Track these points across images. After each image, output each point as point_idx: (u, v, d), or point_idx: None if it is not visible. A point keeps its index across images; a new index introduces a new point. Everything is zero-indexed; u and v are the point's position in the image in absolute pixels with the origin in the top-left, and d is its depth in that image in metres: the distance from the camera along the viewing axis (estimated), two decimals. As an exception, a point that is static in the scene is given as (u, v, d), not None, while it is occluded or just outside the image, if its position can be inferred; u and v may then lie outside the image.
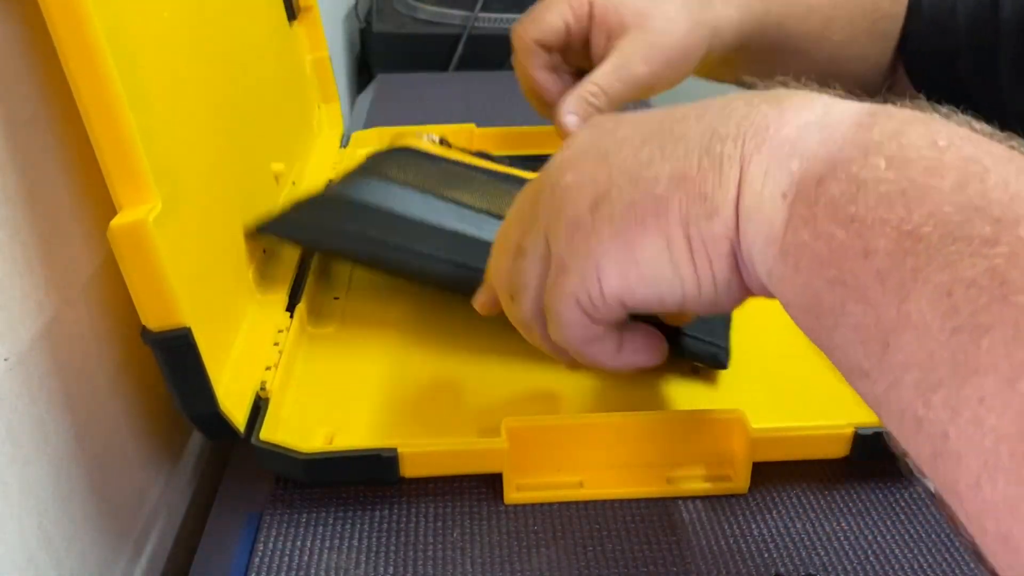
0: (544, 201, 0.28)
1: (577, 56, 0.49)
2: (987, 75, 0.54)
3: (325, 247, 0.41)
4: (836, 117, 0.23)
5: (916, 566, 0.30)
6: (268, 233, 0.41)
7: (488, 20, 0.91)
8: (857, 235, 0.21)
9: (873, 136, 0.22)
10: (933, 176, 0.20)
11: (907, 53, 0.57)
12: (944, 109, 0.22)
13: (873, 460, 0.33)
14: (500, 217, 0.38)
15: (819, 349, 0.23)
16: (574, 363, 0.31)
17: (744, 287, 0.25)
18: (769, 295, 0.25)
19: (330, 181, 0.48)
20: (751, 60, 0.52)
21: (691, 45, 0.47)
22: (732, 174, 0.24)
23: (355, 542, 0.32)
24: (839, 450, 0.33)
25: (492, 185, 0.44)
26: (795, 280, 0.23)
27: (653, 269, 0.25)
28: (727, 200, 0.24)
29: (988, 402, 0.17)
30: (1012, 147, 0.20)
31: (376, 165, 0.45)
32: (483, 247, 0.34)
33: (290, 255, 0.44)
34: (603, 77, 0.45)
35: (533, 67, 0.47)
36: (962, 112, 0.22)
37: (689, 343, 0.37)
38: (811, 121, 0.23)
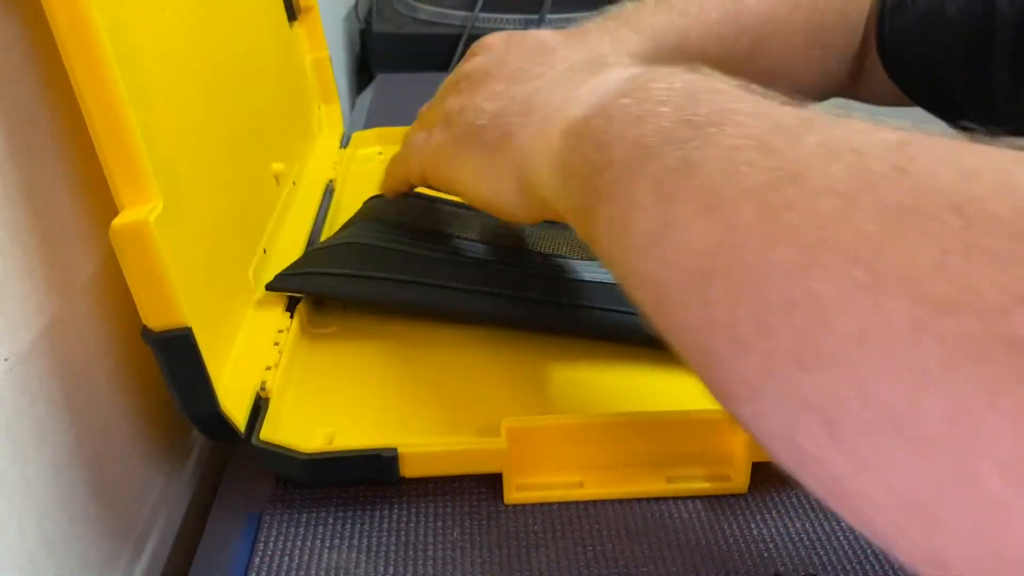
0: (448, 89, 0.40)
1: None
2: (977, 74, 0.53)
3: (343, 293, 0.41)
4: (618, 75, 0.30)
5: (916, 566, 0.30)
6: (281, 290, 0.41)
7: (488, 20, 0.91)
8: (604, 152, 0.27)
9: (630, 84, 0.29)
10: (661, 105, 0.27)
11: (887, 53, 0.56)
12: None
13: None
14: (495, 244, 0.43)
15: (589, 244, 0.30)
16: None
17: (531, 203, 0.33)
18: (546, 211, 0.33)
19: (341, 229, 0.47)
20: None
21: None
22: (536, 119, 0.32)
23: (355, 542, 0.32)
24: (839, 450, 0.33)
25: (476, 219, 0.46)
26: (566, 192, 0.30)
27: (469, 174, 0.35)
28: (521, 140, 0.33)
29: (679, 247, 0.23)
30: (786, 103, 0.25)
31: (375, 208, 0.47)
32: (487, 267, 0.40)
33: (290, 256, 0.44)
34: None
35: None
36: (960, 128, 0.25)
37: (610, 317, 0.38)
38: (601, 81, 0.31)
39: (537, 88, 0.33)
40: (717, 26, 0.51)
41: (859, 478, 0.19)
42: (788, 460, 0.21)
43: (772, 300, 0.20)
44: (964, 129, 0.21)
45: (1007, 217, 0.17)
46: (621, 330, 0.39)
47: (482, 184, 0.35)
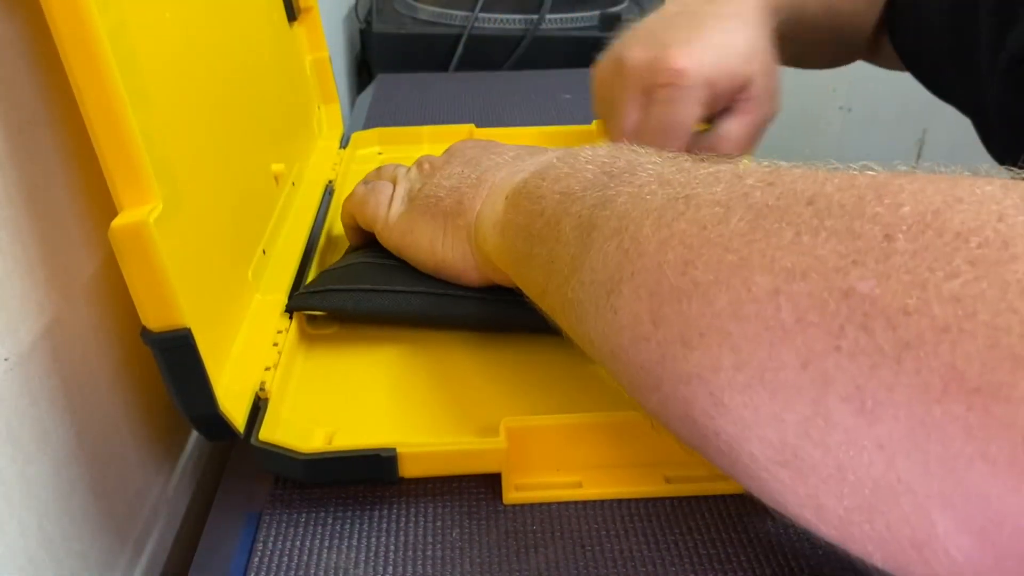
0: (415, 165, 0.45)
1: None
2: (963, 43, 0.54)
3: (362, 307, 0.41)
4: (555, 152, 0.36)
5: (914, 566, 0.30)
6: (300, 309, 0.41)
7: (488, 20, 0.91)
8: (537, 204, 0.32)
9: (563, 153, 0.34)
10: (587, 163, 0.32)
11: (891, 24, 0.57)
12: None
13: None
14: None
15: (524, 288, 0.35)
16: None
17: (478, 262, 0.38)
18: (494, 272, 0.38)
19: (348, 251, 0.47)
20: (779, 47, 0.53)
21: (775, 63, 0.50)
22: (482, 191, 0.38)
23: (354, 542, 0.32)
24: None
25: None
26: (504, 245, 0.35)
27: (426, 240, 0.40)
28: (473, 207, 0.38)
29: (594, 267, 0.27)
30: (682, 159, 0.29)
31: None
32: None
33: (290, 256, 0.44)
34: (740, 132, 0.47)
35: (694, 101, 0.45)
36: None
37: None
38: (541, 157, 0.37)
39: (488, 167, 0.39)
40: None
41: (744, 439, 0.22)
42: (692, 439, 0.24)
43: (665, 293, 0.23)
44: None
45: (848, 204, 0.20)
46: None
47: (436, 248, 0.39)
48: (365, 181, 0.46)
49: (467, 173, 0.39)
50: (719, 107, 0.47)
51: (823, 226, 0.20)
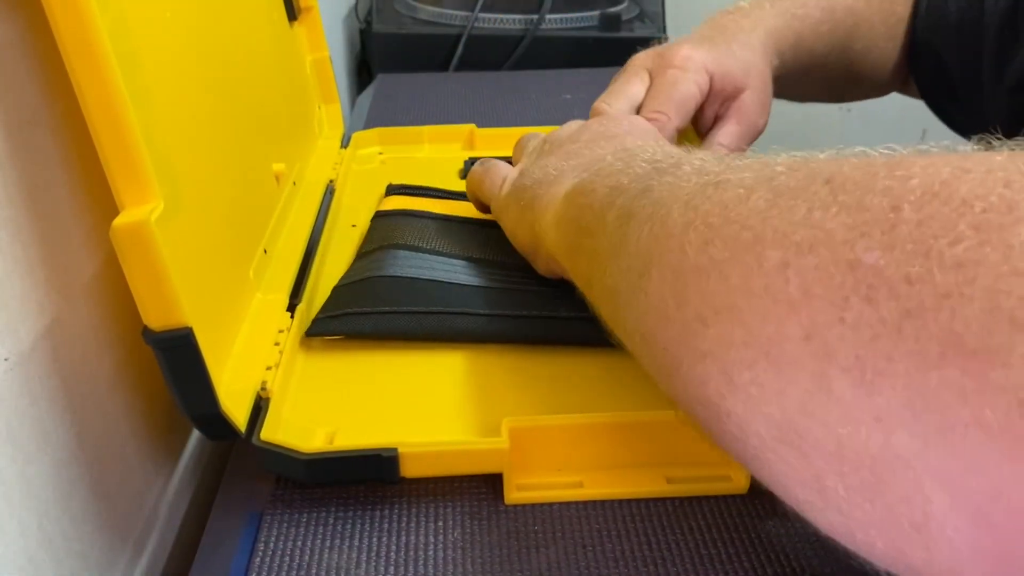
0: (536, 144, 0.46)
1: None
2: (972, 75, 0.56)
3: (381, 329, 0.40)
4: (624, 146, 0.37)
5: (916, 566, 0.30)
6: (320, 334, 0.40)
7: (488, 20, 0.91)
8: (588, 198, 0.33)
9: (620, 152, 0.36)
10: (641, 161, 0.32)
11: (910, 53, 0.59)
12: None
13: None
14: (495, 264, 0.44)
15: (576, 281, 0.36)
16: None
17: (540, 254, 0.40)
18: (556, 265, 0.39)
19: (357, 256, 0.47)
20: (783, 80, 0.59)
21: (771, 87, 0.55)
22: (554, 188, 0.38)
23: (355, 542, 0.32)
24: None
25: (480, 234, 0.47)
26: (559, 238, 0.36)
27: (510, 226, 0.43)
28: (541, 204, 0.39)
29: (629, 253, 0.27)
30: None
31: (390, 234, 0.47)
32: (519, 292, 0.42)
33: (291, 255, 0.44)
34: (728, 137, 0.51)
35: (694, 82, 0.50)
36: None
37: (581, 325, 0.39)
38: (601, 157, 0.37)
39: (568, 167, 0.39)
40: (819, 24, 0.57)
41: (752, 418, 0.22)
42: (708, 423, 0.24)
43: (687, 273, 0.24)
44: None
45: (861, 180, 0.20)
46: None
47: (517, 234, 0.42)
48: (482, 161, 0.48)
49: (554, 167, 0.40)
50: (712, 110, 0.52)
51: (835, 201, 0.20)
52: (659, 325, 0.25)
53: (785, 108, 0.60)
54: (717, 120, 0.52)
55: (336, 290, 0.43)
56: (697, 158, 0.30)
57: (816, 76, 0.60)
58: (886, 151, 0.22)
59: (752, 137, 0.52)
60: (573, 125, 0.44)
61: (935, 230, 0.18)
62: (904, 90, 0.65)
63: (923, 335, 0.18)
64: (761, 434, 0.21)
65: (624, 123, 0.43)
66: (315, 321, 0.41)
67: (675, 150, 0.33)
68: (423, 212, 0.50)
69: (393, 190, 0.53)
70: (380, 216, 0.50)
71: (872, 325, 0.18)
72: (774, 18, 0.55)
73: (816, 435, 0.20)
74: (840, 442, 0.19)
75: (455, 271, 0.44)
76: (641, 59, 0.52)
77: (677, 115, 0.48)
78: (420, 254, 0.45)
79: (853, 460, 0.19)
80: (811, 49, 0.58)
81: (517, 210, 0.42)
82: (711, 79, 0.50)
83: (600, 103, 0.50)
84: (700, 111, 0.52)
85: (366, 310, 0.40)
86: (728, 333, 0.22)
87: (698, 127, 0.53)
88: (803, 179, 0.22)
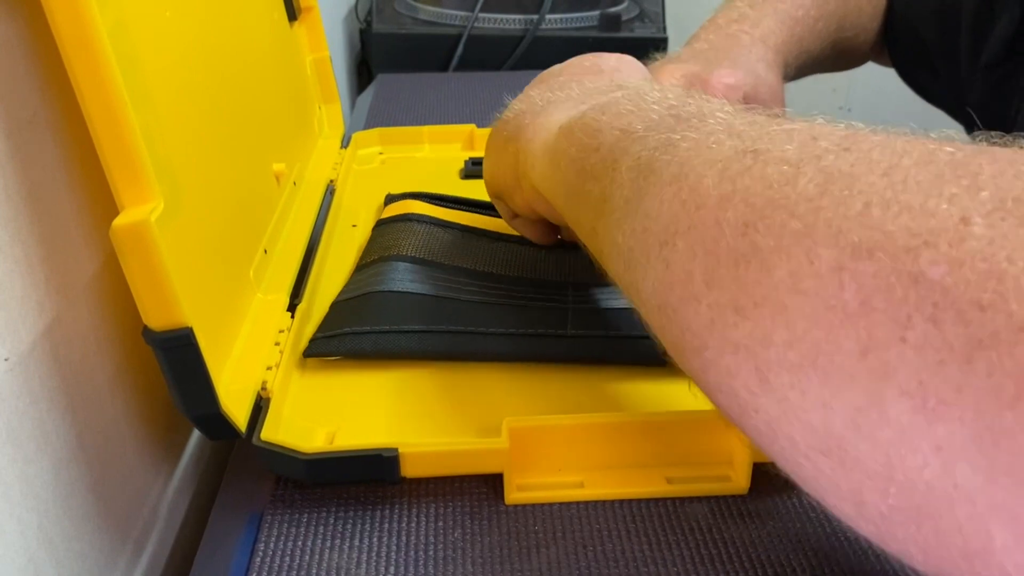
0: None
1: None
2: (949, 50, 0.57)
3: (384, 349, 0.39)
4: (620, 89, 0.34)
5: (916, 566, 0.30)
6: (319, 355, 0.39)
7: (488, 20, 0.91)
8: (593, 138, 0.31)
9: (627, 90, 0.33)
10: (653, 103, 0.30)
11: (888, 33, 0.60)
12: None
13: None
14: (501, 278, 0.44)
15: (571, 225, 0.34)
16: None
17: (524, 188, 0.38)
18: (537, 202, 0.38)
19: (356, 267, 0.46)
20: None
21: (783, 100, 0.56)
22: (542, 119, 0.36)
23: (356, 542, 0.32)
24: (839, 450, 0.33)
25: (485, 245, 0.47)
26: (554, 176, 0.34)
27: (490, 162, 0.43)
28: (525, 135, 0.37)
29: (649, 214, 0.25)
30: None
31: (391, 245, 0.46)
32: (526, 309, 0.41)
33: (291, 255, 0.44)
34: None
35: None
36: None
37: (624, 344, 0.38)
38: (605, 94, 0.35)
39: (557, 98, 0.37)
40: (816, 22, 0.58)
41: (786, 421, 0.21)
42: (731, 412, 0.23)
43: (721, 254, 0.22)
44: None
45: (926, 181, 0.19)
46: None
47: (496, 171, 0.41)
48: None
49: (540, 97, 0.39)
50: None
51: (896, 199, 0.19)
52: (684, 304, 0.23)
53: (785, 109, 0.62)
54: None
55: (334, 306, 0.42)
56: (719, 108, 0.27)
57: (809, 67, 0.61)
58: (940, 136, 0.21)
59: None
60: (571, 61, 0.43)
61: (1009, 252, 0.17)
62: (877, 59, 0.66)
63: (997, 371, 0.16)
64: (795, 439, 0.21)
65: (612, 58, 0.41)
66: (312, 341, 0.40)
67: (687, 94, 0.31)
68: (426, 217, 0.49)
69: (392, 198, 0.52)
70: (381, 224, 0.49)
71: (938, 349, 0.17)
72: (777, 26, 0.56)
73: (862, 451, 0.19)
74: (890, 463, 0.18)
75: (458, 286, 0.43)
76: (671, 77, 0.50)
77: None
78: (422, 267, 0.44)
79: (903, 483, 0.18)
80: (809, 49, 0.59)
81: (499, 142, 0.40)
82: (744, 94, 0.52)
83: None
84: None
85: (365, 329, 0.39)
86: (768, 330, 0.20)
87: None
88: (857, 165, 0.20)
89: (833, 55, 0.61)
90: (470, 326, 0.40)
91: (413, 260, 0.44)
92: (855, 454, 0.19)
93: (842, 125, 0.23)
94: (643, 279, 0.26)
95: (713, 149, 0.24)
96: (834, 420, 0.19)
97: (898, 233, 0.18)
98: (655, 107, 0.29)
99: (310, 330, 0.41)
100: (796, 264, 0.20)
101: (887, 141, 0.21)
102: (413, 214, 0.49)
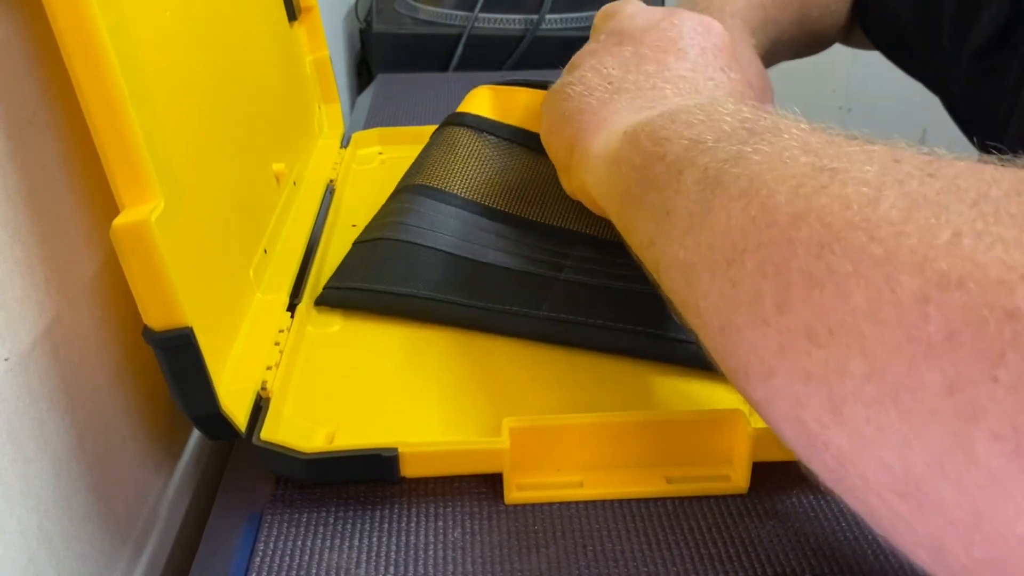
0: (595, 30, 0.44)
1: None
2: (930, 36, 0.56)
3: (390, 311, 0.40)
4: (693, 99, 0.33)
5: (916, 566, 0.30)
6: (328, 305, 0.41)
7: (488, 20, 0.91)
8: (660, 146, 0.29)
9: (701, 101, 0.31)
10: (726, 115, 0.28)
11: (860, 10, 0.60)
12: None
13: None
14: (535, 227, 0.43)
15: (624, 233, 0.32)
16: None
17: (571, 179, 0.38)
18: (587, 200, 0.37)
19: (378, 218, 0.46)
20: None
21: (761, 69, 0.55)
22: (607, 112, 0.35)
23: (355, 542, 0.32)
24: (839, 450, 0.33)
25: (535, 177, 0.45)
26: (609, 180, 0.33)
27: (547, 125, 0.40)
28: (585, 136, 0.35)
29: (715, 229, 0.24)
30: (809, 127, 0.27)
31: (421, 166, 0.46)
32: (554, 284, 0.40)
33: (291, 255, 0.44)
34: None
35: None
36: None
37: (683, 348, 0.38)
38: (677, 100, 0.33)
39: (625, 87, 0.35)
40: (785, 6, 0.58)
41: (859, 458, 0.19)
42: (797, 444, 0.22)
43: (794, 276, 0.21)
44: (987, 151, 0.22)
45: (1020, 213, 0.18)
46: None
47: (551, 142, 0.40)
48: None
49: (608, 80, 0.36)
50: None
51: (988, 231, 0.18)
52: (751, 326, 0.22)
53: (785, 104, 0.61)
54: None
55: (354, 247, 0.43)
56: (795, 125, 0.26)
57: (779, 47, 0.60)
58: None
59: None
60: (641, 13, 0.40)
61: None
62: (847, 41, 0.65)
63: None
64: (868, 477, 0.19)
65: (696, 34, 0.38)
66: (325, 289, 0.41)
67: (762, 109, 0.29)
68: (481, 121, 0.48)
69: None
70: (439, 129, 0.50)
71: None
72: (748, 10, 0.55)
73: (945, 496, 0.18)
74: (977, 511, 0.17)
75: (480, 238, 0.42)
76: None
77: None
78: (445, 205, 0.43)
79: (990, 534, 0.17)
80: (776, 19, 0.58)
81: (557, 116, 0.38)
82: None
83: None
84: None
85: (376, 288, 0.41)
86: (844, 360, 0.19)
87: None
88: (944, 192, 0.19)
89: (800, 38, 0.60)
90: (487, 300, 0.40)
91: (437, 191, 0.44)
92: (936, 498, 0.18)
93: (925, 150, 0.22)
94: (704, 297, 0.24)
95: (787, 164, 0.23)
96: (914, 460, 0.18)
97: (991, 265, 0.17)
98: (728, 119, 0.28)
99: (311, 330, 0.41)
100: (876, 291, 0.19)
101: (974, 169, 0.20)
102: (467, 116, 0.49)
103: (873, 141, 0.23)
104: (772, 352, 0.21)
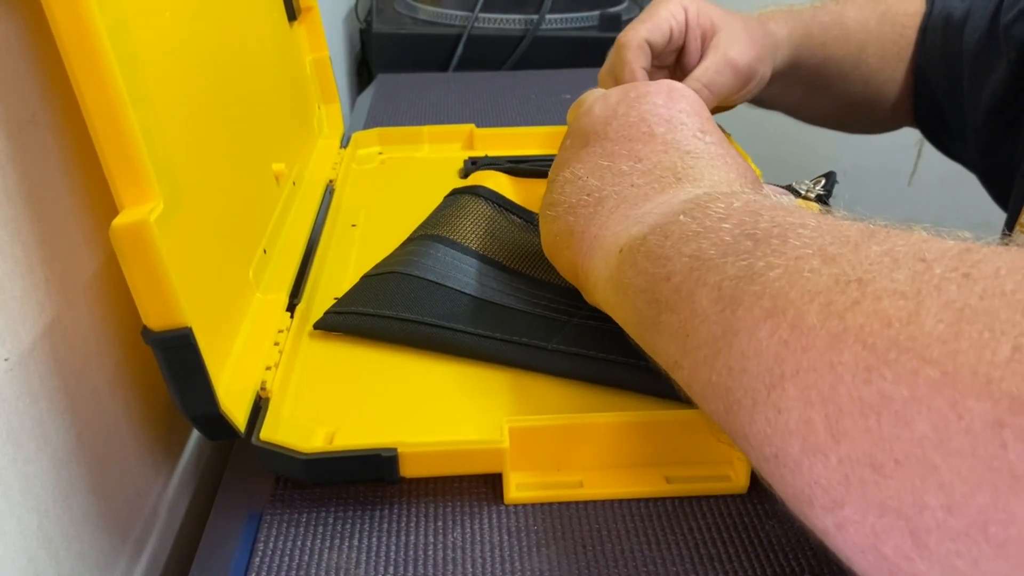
0: (570, 126, 0.41)
1: (666, 60, 0.58)
2: (956, 104, 0.57)
3: (392, 338, 0.40)
4: (679, 197, 0.31)
5: (916, 566, 0.30)
6: (326, 329, 0.40)
7: (488, 20, 0.91)
8: (662, 266, 0.28)
9: (688, 205, 0.29)
10: (721, 221, 0.27)
11: (913, 81, 0.61)
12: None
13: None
14: (543, 284, 0.42)
15: (649, 353, 0.30)
16: None
17: (587, 295, 0.36)
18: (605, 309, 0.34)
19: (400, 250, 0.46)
20: (799, 80, 0.61)
21: (764, 50, 0.58)
22: (596, 228, 0.33)
23: (355, 542, 0.32)
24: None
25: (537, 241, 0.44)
26: (623, 305, 0.31)
27: (549, 248, 0.38)
28: (580, 257, 0.34)
29: (746, 353, 0.23)
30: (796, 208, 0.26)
31: (438, 222, 0.46)
32: (565, 324, 0.39)
33: (291, 255, 0.44)
34: (704, 72, 0.54)
35: (637, 64, 0.54)
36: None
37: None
38: (661, 202, 0.32)
39: (605, 195, 0.34)
40: (828, 27, 0.60)
41: None
42: (877, 574, 0.20)
43: (843, 403, 0.20)
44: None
45: None
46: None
47: (552, 261, 0.38)
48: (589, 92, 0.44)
49: (587, 189, 0.35)
50: (695, 47, 0.56)
51: None
52: (807, 455, 0.21)
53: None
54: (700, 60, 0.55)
55: (362, 281, 0.43)
56: (800, 223, 0.25)
57: (832, 83, 0.61)
58: None
59: (731, 78, 0.54)
60: (597, 103, 0.39)
61: None
62: (908, 122, 0.66)
63: None
64: None
65: (660, 108, 0.36)
66: (325, 315, 0.41)
67: (755, 204, 0.27)
68: (493, 194, 0.49)
69: (475, 165, 0.55)
70: (453, 193, 0.50)
71: None
72: (784, 20, 0.59)
73: None
74: None
75: (490, 284, 0.42)
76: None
77: (651, 34, 0.54)
78: (461, 254, 0.43)
79: None
80: (823, 43, 0.59)
81: (551, 239, 0.37)
82: (686, 12, 0.55)
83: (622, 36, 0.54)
84: (684, 49, 0.56)
85: (369, 311, 0.40)
86: (918, 492, 0.18)
87: (684, 67, 0.56)
88: (987, 299, 0.18)
89: (860, 85, 0.61)
90: (487, 330, 0.39)
91: (453, 243, 0.44)
92: None
93: (945, 233, 0.21)
94: (750, 424, 0.23)
95: (807, 278, 0.22)
96: None
97: None
98: (725, 226, 0.27)
99: (310, 330, 0.41)
100: (940, 419, 0.18)
101: (1013, 262, 0.19)
102: (482, 188, 0.49)
103: (888, 232, 0.22)
104: (837, 482, 0.20)
